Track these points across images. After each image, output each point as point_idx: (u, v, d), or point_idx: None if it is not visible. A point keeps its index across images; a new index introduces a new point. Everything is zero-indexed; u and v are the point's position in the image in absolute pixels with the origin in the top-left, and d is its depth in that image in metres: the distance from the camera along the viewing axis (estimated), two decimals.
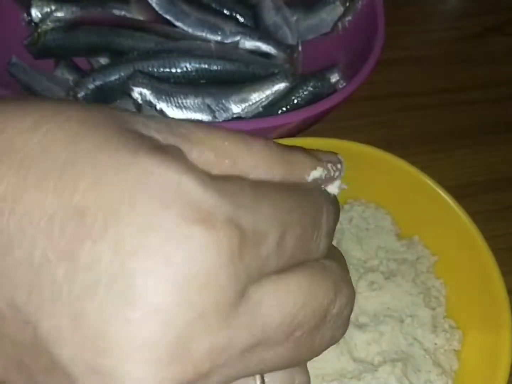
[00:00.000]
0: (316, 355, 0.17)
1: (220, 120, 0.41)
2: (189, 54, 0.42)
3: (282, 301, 0.15)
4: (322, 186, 0.19)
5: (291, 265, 0.16)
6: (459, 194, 0.38)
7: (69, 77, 0.45)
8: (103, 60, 0.46)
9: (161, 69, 0.42)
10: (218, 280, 0.14)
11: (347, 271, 0.19)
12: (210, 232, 0.14)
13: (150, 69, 0.42)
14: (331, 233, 0.18)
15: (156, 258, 0.14)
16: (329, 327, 0.17)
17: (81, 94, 0.42)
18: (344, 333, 0.18)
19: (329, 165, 0.19)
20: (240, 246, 0.14)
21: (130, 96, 0.41)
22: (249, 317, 0.15)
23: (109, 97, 0.43)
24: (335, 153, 0.20)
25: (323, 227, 0.18)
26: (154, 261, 0.14)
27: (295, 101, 0.43)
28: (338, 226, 0.39)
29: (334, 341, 0.18)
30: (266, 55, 0.46)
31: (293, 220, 0.16)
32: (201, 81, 0.43)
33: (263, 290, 0.15)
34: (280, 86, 0.43)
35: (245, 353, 0.15)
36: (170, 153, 0.15)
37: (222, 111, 0.41)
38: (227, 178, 0.16)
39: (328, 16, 0.48)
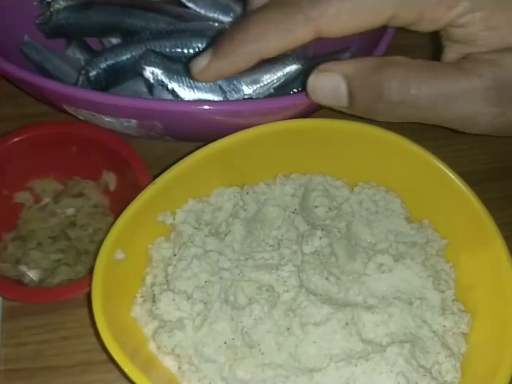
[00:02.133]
0: None
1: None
2: (201, 34, 0.42)
3: None
4: None
5: None
6: (469, 181, 0.38)
7: (81, 56, 0.45)
8: (115, 41, 0.46)
9: (174, 49, 0.42)
10: None
11: None
12: None
13: (163, 49, 0.42)
14: None
15: None
16: None
17: (92, 73, 0.42)
18: None
19: None
20: None
21: (142, 76, 0.41)
22: None
23: (121, 77, 0.43)
24: None
25: None
26: None
27: None
28: (348, 209, 0.40)
29: None
30: None
31: None
32: None
33: None
34: (292, 68, 0.42)
35: None
36: None
37: (233, 92, 0.41)
38: None
39: None
